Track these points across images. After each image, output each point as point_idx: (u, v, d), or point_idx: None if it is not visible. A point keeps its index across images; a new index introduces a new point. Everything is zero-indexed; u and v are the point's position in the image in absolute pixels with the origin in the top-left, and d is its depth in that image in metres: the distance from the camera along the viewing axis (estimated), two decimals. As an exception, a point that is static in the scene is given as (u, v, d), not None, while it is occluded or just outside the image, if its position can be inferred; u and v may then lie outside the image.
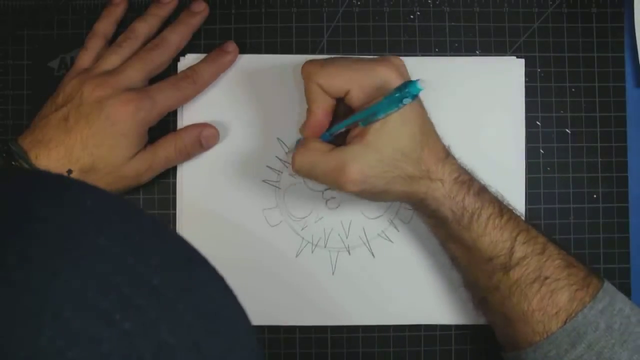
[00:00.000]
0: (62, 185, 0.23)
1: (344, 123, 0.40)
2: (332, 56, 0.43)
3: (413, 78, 0.47)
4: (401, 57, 0.47)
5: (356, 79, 0.39)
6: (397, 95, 0.35)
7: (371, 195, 0.40)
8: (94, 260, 0.19)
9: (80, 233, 0.20)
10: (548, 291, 0.39)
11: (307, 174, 0.40)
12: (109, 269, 0.19)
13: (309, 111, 0.41)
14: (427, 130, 0.40)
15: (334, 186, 0.39)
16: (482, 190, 0.41)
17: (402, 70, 0.40)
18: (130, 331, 0.18)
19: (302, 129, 0.43)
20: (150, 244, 0.22)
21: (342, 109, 0.42)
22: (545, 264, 0.39)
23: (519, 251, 0.40)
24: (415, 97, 0.34)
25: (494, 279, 0.40)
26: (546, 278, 0.39)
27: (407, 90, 0.34)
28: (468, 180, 0.41)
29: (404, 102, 0.35)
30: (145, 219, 0.23)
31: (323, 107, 0.41)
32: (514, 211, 0.42)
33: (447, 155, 0.41)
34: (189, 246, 0.24)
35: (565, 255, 0.40)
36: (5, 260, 0.18)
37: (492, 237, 0.40)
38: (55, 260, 0.19)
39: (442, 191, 0.40)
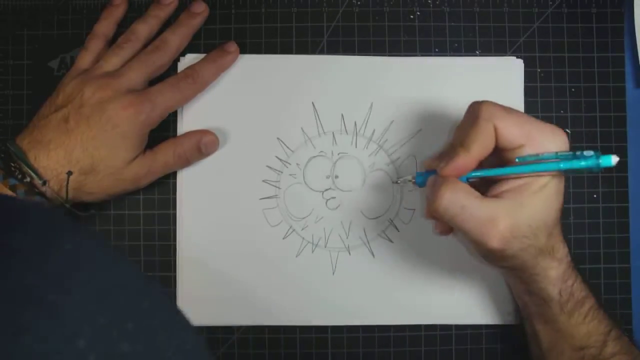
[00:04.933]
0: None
1: (500, 171, 0.38)
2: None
3: (411, 78, 0.47)
4: (401, 57, 0.47)
5: (536, 136, 0.36)
6: (582, 163, 0.34)
7: (501, 258, 0.37)
8: None
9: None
10: None
11: (452, 215, 0.36)
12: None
13: (463, 149, 0.37)
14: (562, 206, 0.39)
15: (475, 236, 0.36)
16: (585, 280, 0.40)
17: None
18: None
19: (444, 166, 0.37)
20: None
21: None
22: None
23: (611, 346, 0.39)
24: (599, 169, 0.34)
25: None
26: None
27: (598, 161, 0.33)
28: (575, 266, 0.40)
29: (584, 169, 0.35)
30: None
31: (482, 152, 0.37)
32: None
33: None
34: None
35: None
36: None
37: (589, 327, 0.39)
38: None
39: (557, 271, 0.39)
